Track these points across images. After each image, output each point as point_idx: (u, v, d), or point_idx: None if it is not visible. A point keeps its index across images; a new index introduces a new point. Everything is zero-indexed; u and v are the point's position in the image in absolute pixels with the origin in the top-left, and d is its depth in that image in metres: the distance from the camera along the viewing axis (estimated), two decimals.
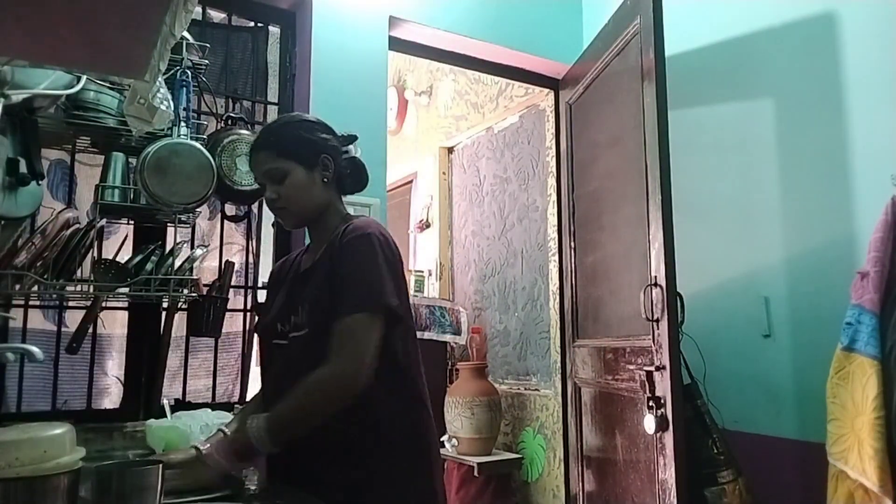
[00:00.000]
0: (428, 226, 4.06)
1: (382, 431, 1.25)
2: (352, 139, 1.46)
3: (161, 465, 0.89)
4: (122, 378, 1.99)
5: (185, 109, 1.86)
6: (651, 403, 1.87)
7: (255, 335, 1.51)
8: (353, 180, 1.46)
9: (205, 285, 2.02)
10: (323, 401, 1.19)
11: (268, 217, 2.31)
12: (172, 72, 1.84)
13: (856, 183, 1.89)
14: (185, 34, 1.82)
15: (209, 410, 1.79)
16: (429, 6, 2.53)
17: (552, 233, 3.05)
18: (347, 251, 1.26)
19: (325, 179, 1.37)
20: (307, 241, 2.01)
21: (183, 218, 1.91)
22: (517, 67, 2.88)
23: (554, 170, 3.02)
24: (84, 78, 1.71)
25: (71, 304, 1.92)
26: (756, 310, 2.11)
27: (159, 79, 1.42)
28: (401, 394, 1.29)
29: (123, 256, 1.89)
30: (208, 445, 1.25)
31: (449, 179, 4.03)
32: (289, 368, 1.30)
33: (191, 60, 1.90)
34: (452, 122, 3.93)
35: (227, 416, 1.78)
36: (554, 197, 3.04)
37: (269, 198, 1.35)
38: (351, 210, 1.48)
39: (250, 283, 2.24)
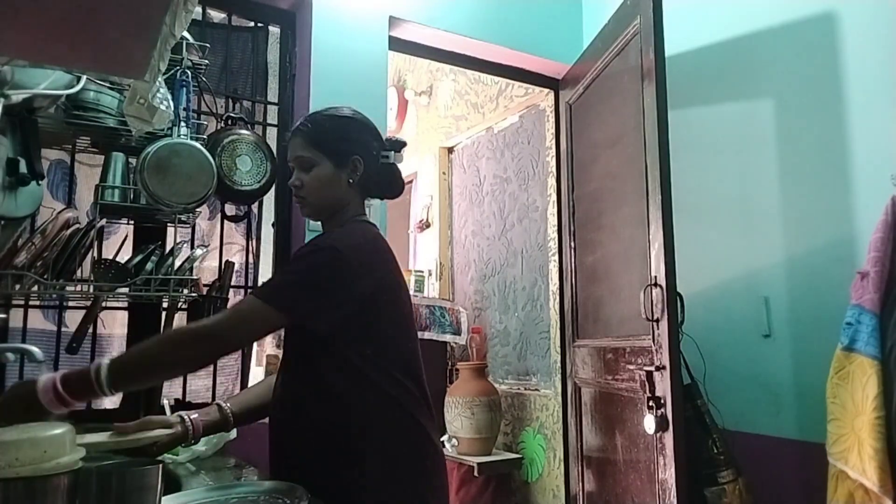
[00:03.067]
0: (428, 226, 4.06)
1: (370, 439, 1.24)
2: (398, 146, 1.43)
3: (161, 465, 0.89)
4: None
5: (185, 109, 1.86)
6: (651, 403, 1.87)
7: None
8: (384, 186, 1.44)
9: (205, 285, 2.02)
10: (171, 351, 1.16)
11: (268, 217, 2.31)
12: (172, 72, 1.84)
13: (856, 183, 1.89)
14: (185, 34, 1.82)
15: None
16: (429, 6, 2.53)
17: (552, 233, 3.05)
18: (295, 254, 1.28)
19: (351, 181, 1.35)
20: (307, 240, 2.01)
21: (183, 218, 1.91)
22: (517, 67, 2.88)
23: (554, 170, 3.02)
24: (84, 78, 1.71)
25: (71, 304, 1.92)
26: (756, 310, 2.11)
27: (159, 79, 1.42)
28: (386, 413, 1.26)
29: (123, 256, 1.89)
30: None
31: (449, 179, 4.03)
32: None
33: (191, 60, 1.90)
34: (452, 122, 3.93)
35: None
36: (554, 197, 3.04)
37: (293, 183, 1.36)
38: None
39: (250, 283, 2.24)
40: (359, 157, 1.36)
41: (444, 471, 1.35)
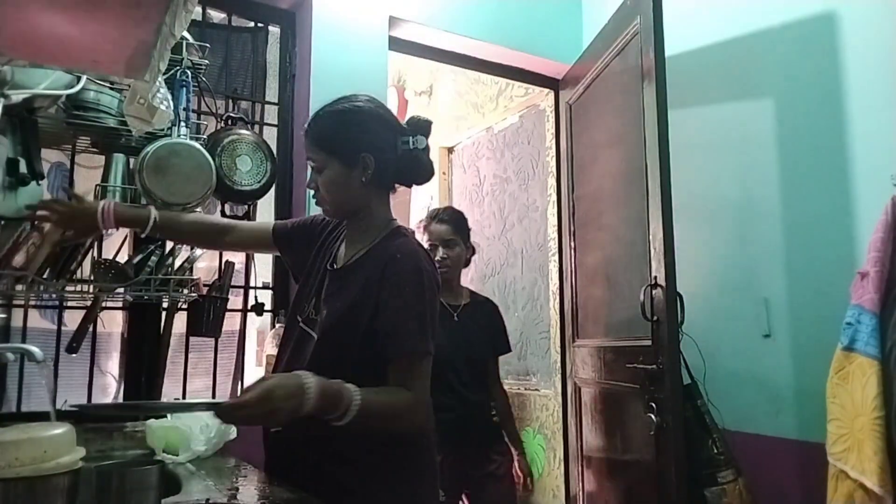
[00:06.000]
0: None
1: (365, 442, 1.23)
2: (420, 128, 1.34)
3: (161, 465, 0.89)
4: (123, 378, 1.99)
5: (184, 109, 1.85)
6: (651, 403, 1.87)
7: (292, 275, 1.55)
8: (407, 175, 1.36)
9: (205, 285, 2.02)
10: (401, 424, 1.21)
11: (267, 217, 2.31)
12: (172, 72, 1.83)
13: (856, 183, 1.89)
14: (185, 34, 1.82)
15: None
16: (429, 6, 2.53)
17: (552, 233, 3.05)
18: (400, 283, 1.22)
19: (364, 179, 1.28)
20: None
21: None
22: (517, 67, 2.88)
23: (554, 170, 3.02)
24: (84, 78, 1.71)
25: (71, 304, 1.92)
26: (756, 310, 2.11)
27: (159, 79, 1.42)
28: None
29: (123, 256, 1.89)
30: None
31: (449, 179, 4.03)
32: (298, 363, 1.27)
33: (191, 60, 1.90)
34: (452, 122, 3.93)
35: None
36: (554, 197, 3.04)
37: (309, 186, 1.34)
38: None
39: (250, 284, 2.24)
40: (368, 154, 1.28)
41: (434, 456, 1.34)
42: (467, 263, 2.42)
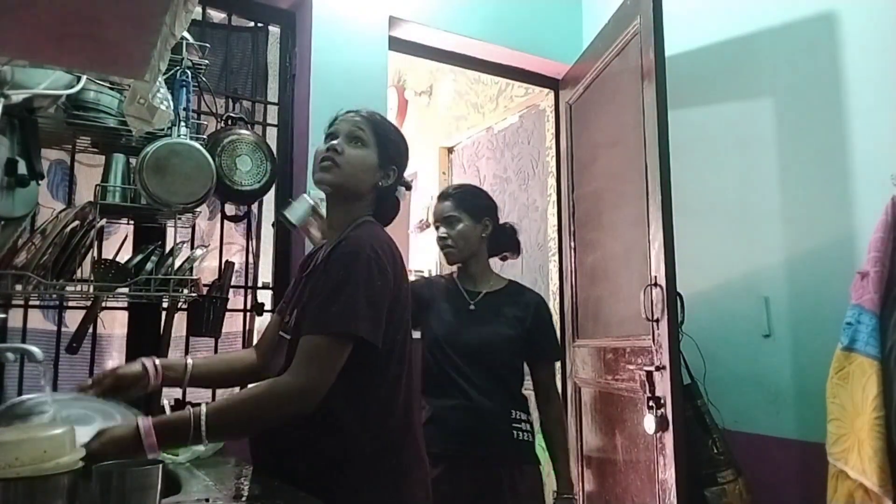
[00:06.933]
0: (428, 226, 4.06)
1: (350, 447, 1.23)
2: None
3: (161, 465, 0.89)
4: None
5: (184, 109, 1.85)
6: (651, 403, 1.87)
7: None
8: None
9: (205, 285, 2.02)
10: (270, 414, 1.18)
11: (267, 217, 2.31)
12: (172, 72, 1.83)
13: (856, 183, 1.89)
14: (185, 34, 1.82)
15: None
16: (429, 6, 2.53)
17: (552, 233, 3.05)
18: (332, 268, 1.24)
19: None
20: (307, 242, 2.02)
21: (183, 218, 1.91)
22: (517, 67, 2.88)
23: (554, 170, 3.02)
24: (84, 78, 1.71)
25: (71, 304, 1.92)
26: (756, 310, 2.11)
27: (159, 79, 1.42)
28: (373, 415, 1.26)
29: (123, 256, 1.89)
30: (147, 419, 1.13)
31: (449, 179, 4.02)
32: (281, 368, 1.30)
33: (191, 60, 1.90)
34: (452, 122, 3.93)
35: None
36: (554, 197, 3.04)
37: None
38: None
39: (250, 283, 2.24)
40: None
41: (424, 464, 1.33)
42: (510, 248, 2.00)
